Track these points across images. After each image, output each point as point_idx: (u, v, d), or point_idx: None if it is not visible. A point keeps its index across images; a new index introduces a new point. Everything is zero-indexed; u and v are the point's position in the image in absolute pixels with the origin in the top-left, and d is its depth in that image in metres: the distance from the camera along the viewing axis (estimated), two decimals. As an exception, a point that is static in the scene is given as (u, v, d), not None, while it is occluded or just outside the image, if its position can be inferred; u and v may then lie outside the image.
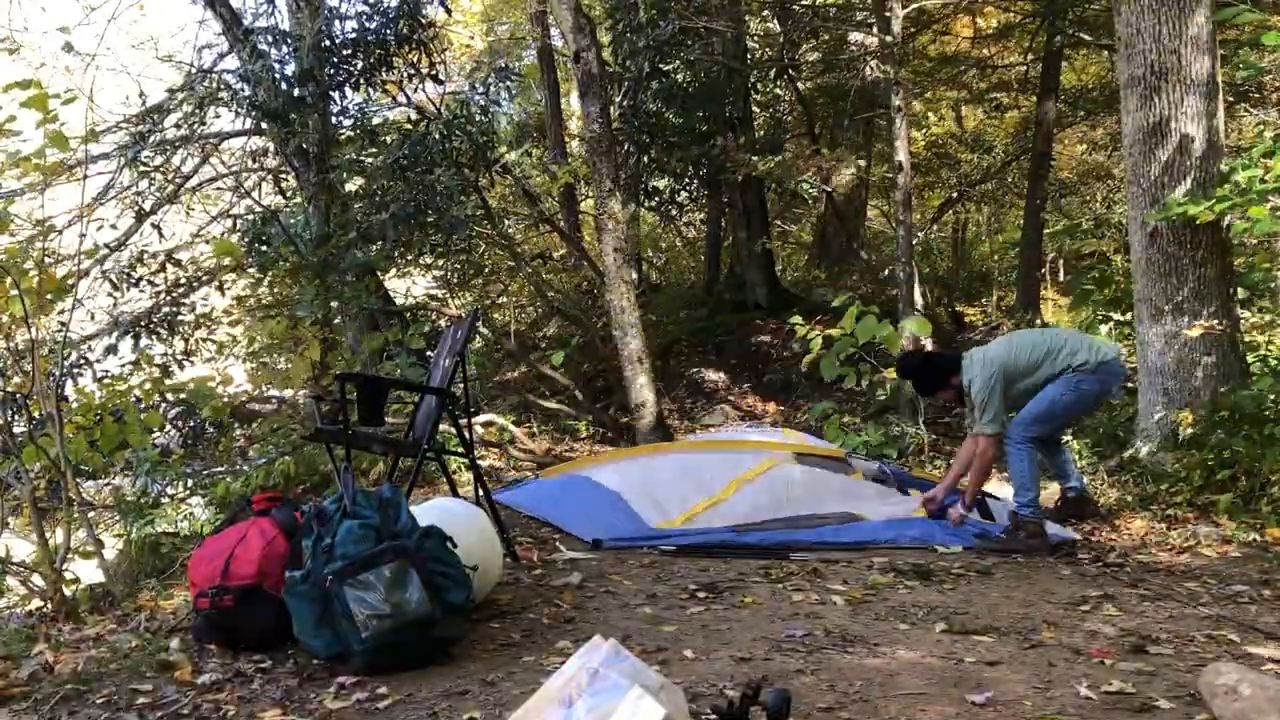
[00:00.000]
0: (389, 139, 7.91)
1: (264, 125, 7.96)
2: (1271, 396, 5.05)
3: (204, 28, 10.09)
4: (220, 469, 6.95)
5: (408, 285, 10.95)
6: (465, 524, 3.16)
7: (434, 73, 8.28)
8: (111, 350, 8.03)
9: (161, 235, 8.75)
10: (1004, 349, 4.41)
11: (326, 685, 2.57)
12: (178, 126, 8.48)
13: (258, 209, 8.39)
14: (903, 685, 2.51)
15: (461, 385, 4.16)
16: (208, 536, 3.12)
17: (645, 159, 9.40)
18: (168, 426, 8.10)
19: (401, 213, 7.26)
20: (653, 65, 8.75)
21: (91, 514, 4.59)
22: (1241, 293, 6.44)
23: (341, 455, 3.96)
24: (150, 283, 8.55)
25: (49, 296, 4.25)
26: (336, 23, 7.77)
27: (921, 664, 2.71)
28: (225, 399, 7.05)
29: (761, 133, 10.41)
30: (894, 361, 6.10)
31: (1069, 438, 6.11)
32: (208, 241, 9.37)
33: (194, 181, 9.59)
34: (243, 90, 7.59)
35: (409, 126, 7.86)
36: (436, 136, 7.58)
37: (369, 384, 4.47)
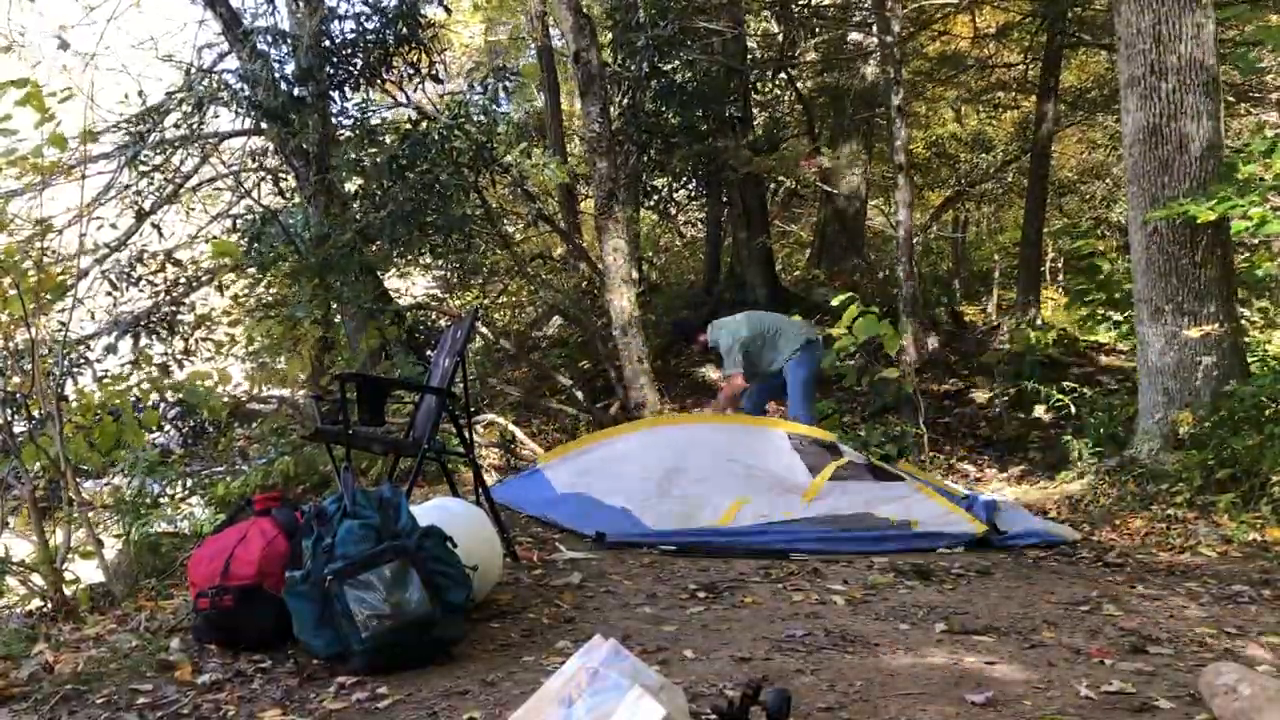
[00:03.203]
0: (388, 139, 7.90)
1: (264, 125, 7.95)
2: (1271, 396, 5.05)
3: (204, 28, 10.06)
4: (220, 469, 6.95)
5: (408, 285, 10.94)
6: (465, 524, 3.16)
7: (434, 72, 8.28)
8: (111, 350, 8.03)
9: (161, 235, 8.74)
10: (745, 324, 6.20)
11: (326, 685, 2.57)
12: (177, 126, 8.47)
13: (258, 209, 8.38)
14: (903, 685, 2.51)
15: (461, 385, 4.16)
16: (208, 536, 3.12)
17: (645, 158, 9.40)
18: (167, 426, 8.10)
19: (400, 212, 7.26)
20: (652, 65, 8.74)
21: (91, 514, 4.58)
22: (1242, 292, 6.45)
23: (341, 455, 3.96)
24: (150, 282, 8.55)
25: (47, 296, 4.25)
26: (336, 22, 7.77)
27: (921, 664, 2.71)
28: (225, 398, 7.04)
29: (761, 132, 10.41)
30: (889, 360, 7.22)
31: (1069, 438, 6.17)
32: (207, 241, 9.36)
33: (194, 181, 9.58)
34: (242, 90, 7.58)
35: (408, 126, 7.86)
36: (436, 136, 7.58)
37: (369, 384, 4.47)
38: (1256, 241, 7.61)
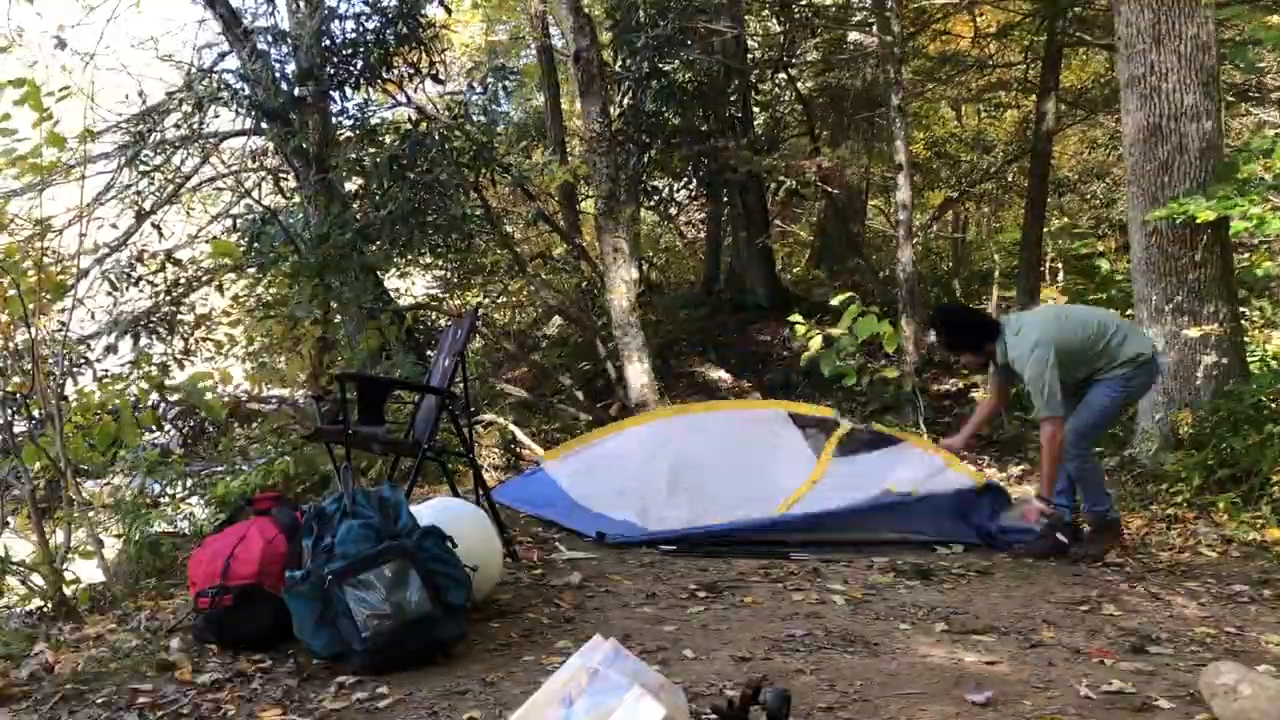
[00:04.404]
0: (388, 139, 7.90)
1: (264, 125, 7.95)
2: (1271, 396, 5.06)
3: (204, 28, 10.03)
4: (220, 469, 6.94)
5: (408, 285, 10.94)
6: (465, 524, 3.16)
7: (434, 72, 8.28)
8: (111, 350, 8.02)
9: (161, 235, 8.73)
10: (1055, 328, 4.16)
11: (326, 685, 2.57)
12: (177, 126, 8.46)
13: (258, 209, 8.37)
14: (903, 685, 2.51)
15: (461, 385, 4.16)
16: (208, 536, 3.12)
17: (645, 159, 9.41)
18: (167, 426, 8.09)
19: (400, 212, 7.26)
20: (653, 65, 8.74)
21: (91, 514, 4.58)
22: (1242, 292, 6.45)
23: (341, 455, 3.96)
24: (150, 282, 8.54)
25: (47, 296, 4.24)
26: (336, 22, 7.76)
27: (921, 664, 2.71)
28: (225, 398, 7.03)
29: (761, 132, 10.41)
30: (889, 360, 6.50)
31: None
32: (208, 241, 9.36)
33: (194, 181, 9.57)
34: (242, 90, 7.57)
35: (409, 126, 7.86)
36: (436, 136, 7.58)
37: (369, 384, 4.47)
38: (1256, 241, 7.60)
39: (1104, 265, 8.42)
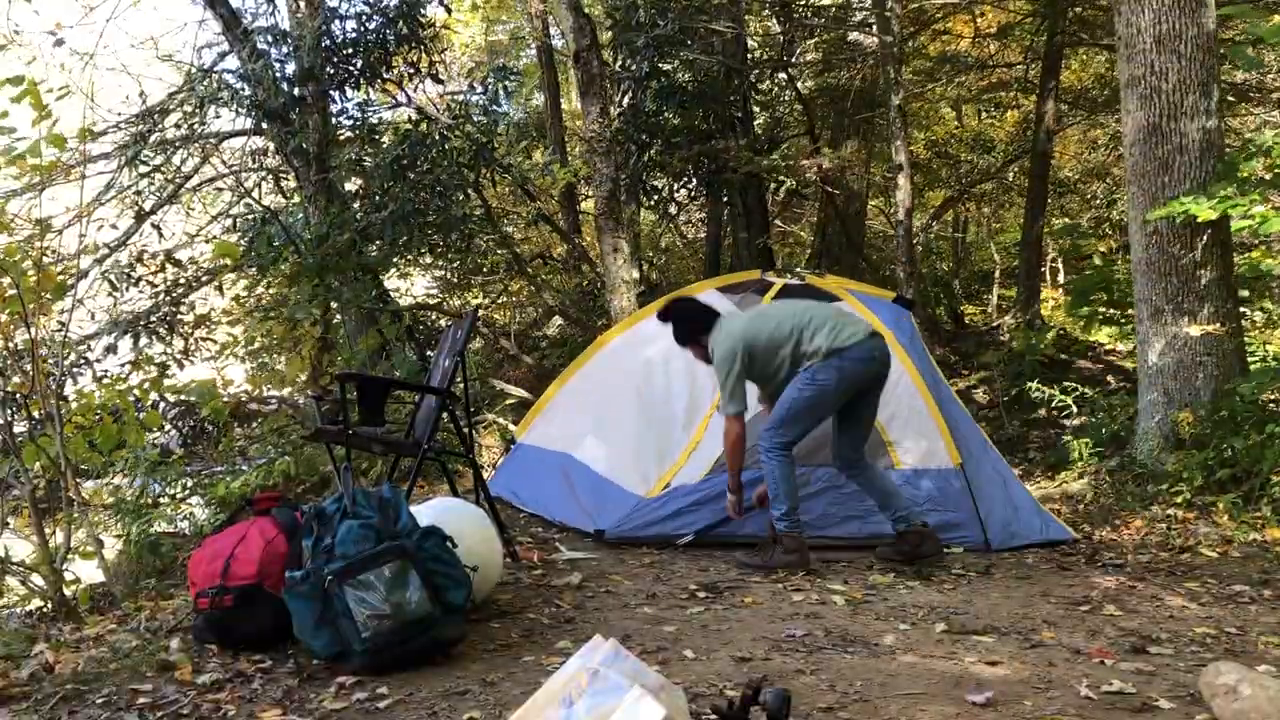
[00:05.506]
0: (388, 139, 7.90)
1: (264, 125, 7.95)
2: (1271, 395, 5.06)
3: (204, 28, 10.04)
4: (220, 469, 6.94)
5: (408, 285, 10.94)
6: (465, 524, 3.16)
7: (434, 72, 8.28)
8: (111, 350, 8.03)
9: (161, 235, 8.74)
10: (747, 323, 4.06)
11: (326, 685, 2.57)
12: (178, 126, 8.47)
13: (258, 209, 8.37)
14: (903, 685, 2.51)
15: (461, 385, 4.16)
16: (208, 536, 3.12)
17: (646, 158, 9.41)
18: (167, 426, 8.10)
19: (400, 212, 7.26)
20: (653, 65, 8.75)
21: (91, 514, 4.59)
22: (1243, 292, 6.44)
23: (341, 455, 3.96)
24: (150, 283, 8.55)
25: (47, 296, 4.24)
26: (336, 22, 7.77)
27: (921, 664, 2.72)
28: (226, 399, 7.04)
29: (761, 132, 10.41)
30: None
31: (1069, 438, 6.11)
32: (208, 241, 9.36)
33: (194, 181, 9.57)
34: (243, 90, 7.58)
35: (409, 126, 7.86)
36: (436, 136, 7.58)
37: (369, 384, 4.47)
38: (1257, 241, 7.61)
39: (1105, 264, 8.41)
